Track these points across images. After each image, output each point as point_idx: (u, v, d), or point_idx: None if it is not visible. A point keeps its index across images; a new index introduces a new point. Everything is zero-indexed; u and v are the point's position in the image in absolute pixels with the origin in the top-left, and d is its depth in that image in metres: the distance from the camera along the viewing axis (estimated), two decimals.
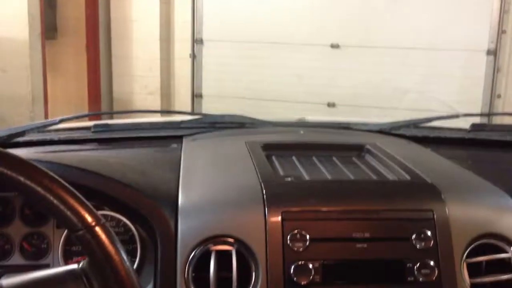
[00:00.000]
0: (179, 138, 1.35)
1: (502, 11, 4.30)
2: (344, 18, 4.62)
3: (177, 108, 5.37)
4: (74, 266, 0.66)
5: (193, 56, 5.08)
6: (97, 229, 0.63)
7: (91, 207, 0.64)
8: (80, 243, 0.64)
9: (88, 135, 1.39)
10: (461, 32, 4.37)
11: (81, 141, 1.36)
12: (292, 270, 0.90)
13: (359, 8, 4.57)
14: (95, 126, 1.40)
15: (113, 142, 1.38)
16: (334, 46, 4.69)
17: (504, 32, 4.36)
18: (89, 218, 0.63)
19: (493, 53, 4.38)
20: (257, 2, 4.80)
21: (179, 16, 5.12)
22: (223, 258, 0.91)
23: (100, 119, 1.84)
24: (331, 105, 4.78)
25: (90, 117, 1.85)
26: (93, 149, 1.34)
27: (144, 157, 1.26)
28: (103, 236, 0.63)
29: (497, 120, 3.85)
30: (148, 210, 0.96)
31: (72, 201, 0.63)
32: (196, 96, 5.16)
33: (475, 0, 4.31)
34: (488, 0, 4.30)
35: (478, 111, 4.45)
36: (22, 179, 0.62)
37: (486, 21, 4.33)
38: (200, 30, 5.01)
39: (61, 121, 1.40)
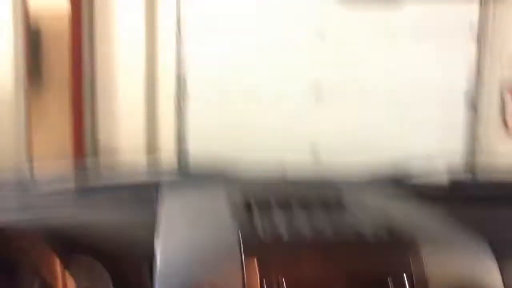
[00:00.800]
0: (157, 190, 1.35)
1: (480, 57, 4.35)
2: (325, 63, 4.67)
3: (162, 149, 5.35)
4: None
5: (179, 96, 5.11)
6: None
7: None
8: None
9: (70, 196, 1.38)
10: (441, 78, 4.42)
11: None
12: None
13: (341, 55, 4.63)
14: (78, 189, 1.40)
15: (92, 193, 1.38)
16: (317, 90, 4.74)
17: (481, 77, 4.40)
18: None
19: (471, 98, 4.42)
20: (237, 47, 4.85)
21: (166, 71, 5.18)
22: None
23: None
24: (314, 150, 4.79)
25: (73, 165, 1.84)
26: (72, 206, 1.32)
27: (121, 212, 1.25)
28: None
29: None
30: (125, 269, 0.95)
31: None
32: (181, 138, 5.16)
33: (454, 47, 4.38)
34: (465, 47, 4.37)
35: (459, 155, 4.45)
36: None
37: (464, 67, 4.40)
38: (184, 75, 5.05)
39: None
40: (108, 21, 5.11)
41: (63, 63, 5.01)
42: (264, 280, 0.92)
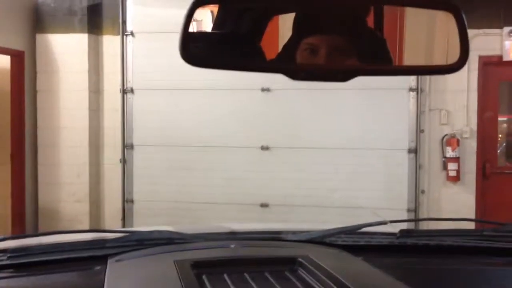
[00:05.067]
0: (104, 259, 1.28)
1: (419, 112, 4.62)
2: (272, 121, 4.78)
3: (107, 215, 5.21)
4: None
5: (124, 161, 5.03)
6: None
7: None
8: None
9: (4, 260, 1.29)
10: (384, 133, 4.61)
11: None
12: None
13: (286, 112, 4.76)
14: (12, 250, 1.31)
15: (31, 267, 1.29)
16: (264, 148, 4.80)
17: (422, 131, 4.66)
18: None
19: (413, 151, 4.63)
20: (187, 107, 4.90)
21: (109, 122, 5.12)
22: None
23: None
24: (264, 205, 4.81)
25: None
26: (8, 277, 1.24)
27: (65, 284, 1.18)
28: None
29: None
30: None
31: None
32: (127, 201, 5.05)
33: (395, 103, 4.62)
34: (405, 104, 4.62)
35: (404, 206, 4.63)
36: None
37: (405, 122, 4.62)
38: (130, 135, 5.01)
39: None
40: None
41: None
42: None
